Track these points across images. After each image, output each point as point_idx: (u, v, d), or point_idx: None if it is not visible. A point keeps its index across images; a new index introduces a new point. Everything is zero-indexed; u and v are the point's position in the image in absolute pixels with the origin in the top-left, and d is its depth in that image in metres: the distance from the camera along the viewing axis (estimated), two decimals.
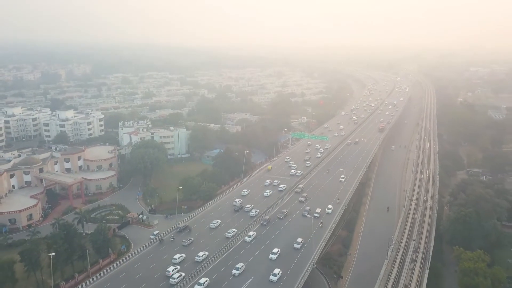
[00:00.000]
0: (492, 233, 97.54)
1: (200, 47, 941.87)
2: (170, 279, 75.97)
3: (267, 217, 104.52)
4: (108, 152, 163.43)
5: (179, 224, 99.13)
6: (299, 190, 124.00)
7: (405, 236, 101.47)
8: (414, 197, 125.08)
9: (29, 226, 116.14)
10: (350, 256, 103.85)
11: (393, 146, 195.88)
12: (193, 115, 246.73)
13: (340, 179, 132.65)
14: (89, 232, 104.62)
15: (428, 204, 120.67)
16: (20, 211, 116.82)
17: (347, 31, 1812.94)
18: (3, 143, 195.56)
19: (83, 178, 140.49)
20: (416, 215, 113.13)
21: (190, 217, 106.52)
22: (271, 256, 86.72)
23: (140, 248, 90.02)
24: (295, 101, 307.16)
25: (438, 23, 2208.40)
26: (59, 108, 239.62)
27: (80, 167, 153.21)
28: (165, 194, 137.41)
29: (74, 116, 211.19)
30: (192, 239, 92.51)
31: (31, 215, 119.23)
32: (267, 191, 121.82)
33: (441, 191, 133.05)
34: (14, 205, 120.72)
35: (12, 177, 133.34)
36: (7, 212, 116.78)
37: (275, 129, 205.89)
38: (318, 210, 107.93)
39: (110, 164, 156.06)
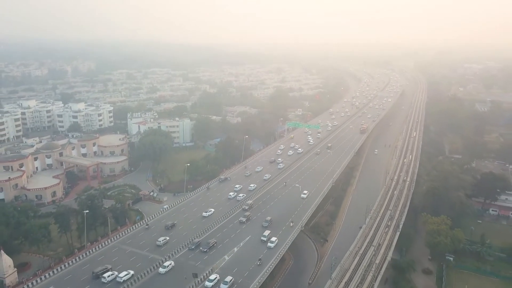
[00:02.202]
0: (456, 204, 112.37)
1: (201, 44, 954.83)
2: (237, 197, 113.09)
3: (196, 240, 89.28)
4: (120, 139, 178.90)
5: (221, 176, 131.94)
6: (246, 207, 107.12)
7: (383, 207, 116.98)
8: (395, 177, 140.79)
9: (53, 201, 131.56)
10: (335, 225, 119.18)
11: (376, 150, 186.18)
12: (196, 108, 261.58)
13: (302, 195, 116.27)
14: (107, 207, 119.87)
15: (407, 183, 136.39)
16: (45, 188, 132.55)
17: (346, 28, 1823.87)
18: (20, 133, 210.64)
19: (98, 161, 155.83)
20: (395, 192, 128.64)
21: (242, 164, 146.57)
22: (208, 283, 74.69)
23: (192, 193, 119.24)
24: (293, 96, 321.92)
25: (437, 20, 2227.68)
26: (69, 102, 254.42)
27: (95, 152, 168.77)
28: (172, 176, 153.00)
29: (86, 108, 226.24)
30: (250, 173, 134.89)
31: (54, 192, 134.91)
32: (290, 151, 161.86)
33: (421, 173, 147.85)
34: (39, 184, 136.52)
35: (36, 160, 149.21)
36: (34, 188, 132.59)
37: (273, 121, 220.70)
38: (267, 233, 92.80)
39: (122, 150, 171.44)
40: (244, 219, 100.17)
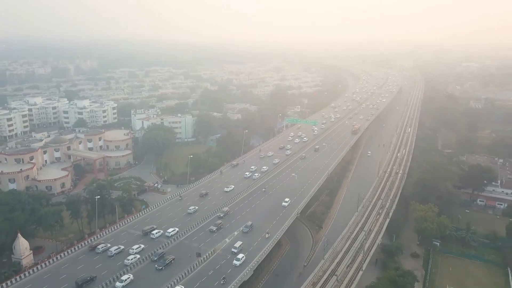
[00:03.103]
0: (444, 193, 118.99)
1: (202, 43, 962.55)
2: (253, 176, 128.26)
3: (160, 251, 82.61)
4: (124, 134, 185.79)
5: (233, 162, 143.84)
6: (221, 215, 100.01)
7: (375, 197, 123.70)
8: (388, 170, 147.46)
9: (62, 192, 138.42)
10: (330, 214, 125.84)
11: (369, 152, 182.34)
12: (198, 105, 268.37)
13: (283, 203, 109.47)
14: (114, 197, 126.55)
15: (399, 175, 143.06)
16: (55, 179, 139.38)
17: (345, 27, 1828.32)
18: (28, 129, 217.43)
19: (104, 155, 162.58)
20: (387, 183, 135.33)
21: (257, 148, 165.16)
22: None
23: (207, 176, 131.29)
24: (292, 93, 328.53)
25: (436, 19, 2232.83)
26: (74, 99, 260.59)
27: (101, 146, 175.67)
28: (175, 169, 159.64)
29: (90, 105, 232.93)
30: (264, 155, 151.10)
31: (63, 183, 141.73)
32: (296, 140, 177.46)
33: (413, 166, 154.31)
34: (49, 175, 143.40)
35: (45, 153, 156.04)
36: (44, 180, 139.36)
37: (272, 117, 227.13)
38: (238, 244, 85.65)
39: (126, 145, 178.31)
40: (214, 228, 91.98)
